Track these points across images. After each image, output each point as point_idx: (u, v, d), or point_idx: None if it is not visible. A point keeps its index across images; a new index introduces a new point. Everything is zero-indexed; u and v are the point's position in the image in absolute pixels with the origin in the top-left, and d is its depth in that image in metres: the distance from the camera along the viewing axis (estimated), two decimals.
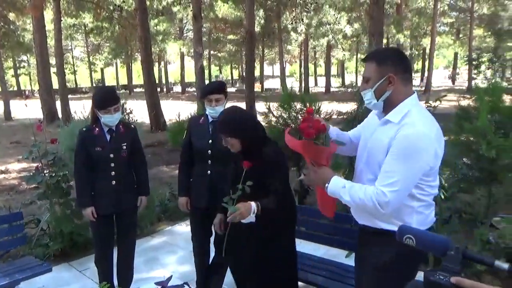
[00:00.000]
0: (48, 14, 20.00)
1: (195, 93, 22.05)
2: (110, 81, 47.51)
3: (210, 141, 2.80)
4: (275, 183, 2.25)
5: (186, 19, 30.09)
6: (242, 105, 9.86)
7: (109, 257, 3.08)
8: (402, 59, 1.83)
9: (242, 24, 22.75)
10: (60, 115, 16.70)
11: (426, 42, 31.92)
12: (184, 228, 4.79)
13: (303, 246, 3.12)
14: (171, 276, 1.83)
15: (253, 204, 2.12)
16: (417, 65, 45.13)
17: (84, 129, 2.93)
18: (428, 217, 1.85)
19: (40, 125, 3.87)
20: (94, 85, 42.09)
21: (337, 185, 1.82)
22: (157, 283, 1.78)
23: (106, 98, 2.83)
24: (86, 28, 29.72)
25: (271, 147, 2.33)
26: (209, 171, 2.82)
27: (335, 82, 43.09)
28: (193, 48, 13.18)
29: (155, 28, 24.87)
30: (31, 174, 4.25)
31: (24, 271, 3.09)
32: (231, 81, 51.34)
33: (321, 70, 48.26)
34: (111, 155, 2.85)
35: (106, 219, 2.95)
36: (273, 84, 45.29)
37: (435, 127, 1.77)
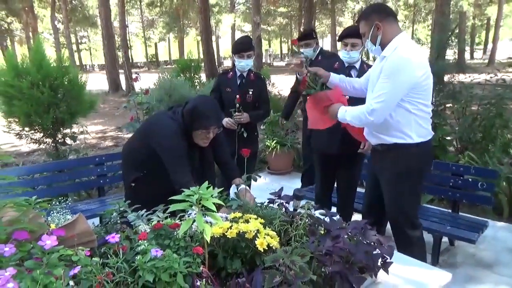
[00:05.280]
0: None
1: None
2: (163, 57, 48.92)
3: None
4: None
5: None
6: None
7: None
8: (382, 9, 2.32)
9: None
10: (123, 86, 17.70)
11: (491, 11, 29.71)
12: None
13: None
14: (282, 188, 2.14)
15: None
16: (479, 37, 42.17)
17: (221, 72, 3.43)
18: (427, 130, 2.29)
19: (136, 78, 4.32)
20: (148, 60, 43.60)
21: (342, 112, 2.37)
22: (272, 193, 2.10)
23: (241, 43, 3.27)
24: (142, 3, 30.66)
25: None
26: None
27: None
28: (252, 17, 13.33)
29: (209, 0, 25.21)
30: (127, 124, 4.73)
31: None
32: (280, 55, 50.93)
33: None
34: (237, 96, 3.22)
35: None
36: None
37: (419, 55, 2.17)
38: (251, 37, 3.46)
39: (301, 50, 3.29)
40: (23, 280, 1.04)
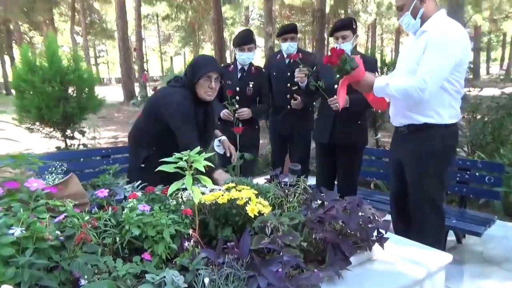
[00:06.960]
0: (129, 1, 21.47)
1: None
2: (178, 71, 49.71)
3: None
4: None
5: (252, 7, 30.59)
6: None
7: None
8: None
9: (310, 7, 22.56)
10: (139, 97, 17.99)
11: (507, 26, 29.44)
12: None
13: None
14: (280, 168, 2.13)
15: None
16: (495, 53, 41.77)
17: (222, 65, 3.37)
18: (457, 111, 2.23)
19: (145, 75, 4.41)
20: (164, 74, 44.34)
21: (379, 85, 2.18)
22: (270, 173, 2.09)
23: (242, 36, 3.24)
24: (158, 17, 31.39)
25: None
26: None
27: None
28: (264, 28, 13.50)
29: (223, 14, 25.65)
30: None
31: None
32: None
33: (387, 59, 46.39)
34: (237, 89, 3.23)
35: None
36: None
37: (463, 31, 2.11)
38: (251, 31, 3.45)
39: (286, 43, 3.31)
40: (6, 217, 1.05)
